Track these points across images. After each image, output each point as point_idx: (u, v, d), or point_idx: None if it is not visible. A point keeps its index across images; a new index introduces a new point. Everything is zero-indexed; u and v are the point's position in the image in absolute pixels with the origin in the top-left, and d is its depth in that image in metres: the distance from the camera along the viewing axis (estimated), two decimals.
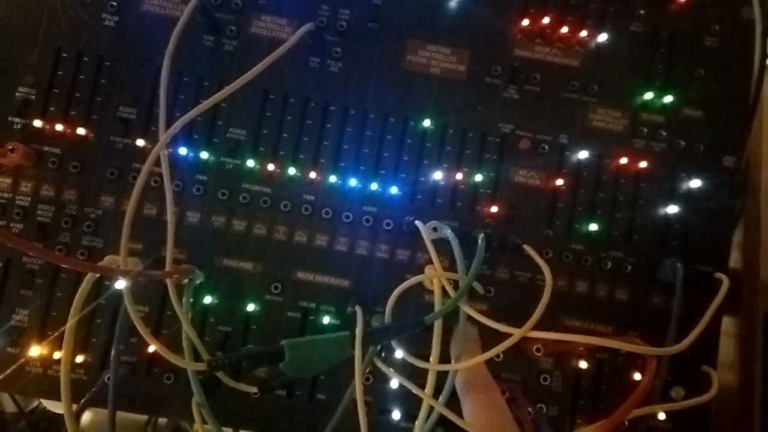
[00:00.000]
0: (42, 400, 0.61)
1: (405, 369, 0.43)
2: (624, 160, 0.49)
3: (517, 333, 0.36)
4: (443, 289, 0.42)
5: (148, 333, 0.38)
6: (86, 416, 0.65)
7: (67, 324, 0.35)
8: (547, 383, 0.48)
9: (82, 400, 0.43)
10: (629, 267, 0.49)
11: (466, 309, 0.39)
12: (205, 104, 0.41)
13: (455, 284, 0.42)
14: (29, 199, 0.47)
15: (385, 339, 0.38)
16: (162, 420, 0.63)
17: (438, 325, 0.39)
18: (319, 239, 0.49)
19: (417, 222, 0.45)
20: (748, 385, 0.50)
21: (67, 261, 0.32)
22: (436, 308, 0.40)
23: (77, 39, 0.48)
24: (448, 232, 0.44)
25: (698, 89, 0.50)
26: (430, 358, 0.39)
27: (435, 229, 0.45)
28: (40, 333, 0.46)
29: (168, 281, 0.40)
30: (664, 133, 0.50)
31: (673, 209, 0.48)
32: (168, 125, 0.47)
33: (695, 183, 0.49)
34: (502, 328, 0.38)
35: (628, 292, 0.49)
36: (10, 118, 0.47)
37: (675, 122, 0.50)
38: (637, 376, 0.47)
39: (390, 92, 0.50)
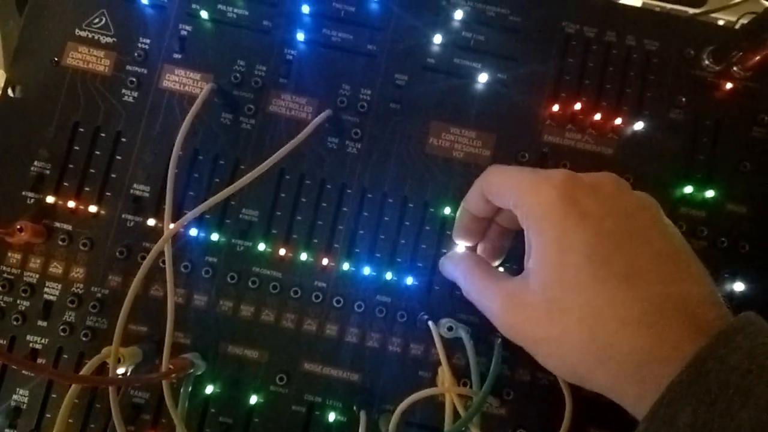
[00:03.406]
0: None
1: None
2: None
3: None
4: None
5: None
6: None
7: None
8: None
9: None
10: None
11: None
12: (216, 198, 0.40)
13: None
14: (37, 276, 0.46)
15: None
16: None
17: None
18: (329, 329, 0.46)
19: (430, 323, 0.42)
20: None
21: (51, 374, 0.31)
22: (446, 425, 0.37)
23: (95, 114, 0.48)
24: (464, 335, 0.41)
25: (743, 183, 0.46)
26: None
27: (450, 329, 0.42)
28: (39, 414, 0.45)
29: (164, 383, 0.38)
30: (705, 231, 0.46)
31: None
32: (178, 206, 0.46)
33: (739, 286, 0.45)
34: None
35: None
36: (23, 193, 0.47)
37: (717, 218, 0.46)
38: None
39: (410, 176, 0.47)
